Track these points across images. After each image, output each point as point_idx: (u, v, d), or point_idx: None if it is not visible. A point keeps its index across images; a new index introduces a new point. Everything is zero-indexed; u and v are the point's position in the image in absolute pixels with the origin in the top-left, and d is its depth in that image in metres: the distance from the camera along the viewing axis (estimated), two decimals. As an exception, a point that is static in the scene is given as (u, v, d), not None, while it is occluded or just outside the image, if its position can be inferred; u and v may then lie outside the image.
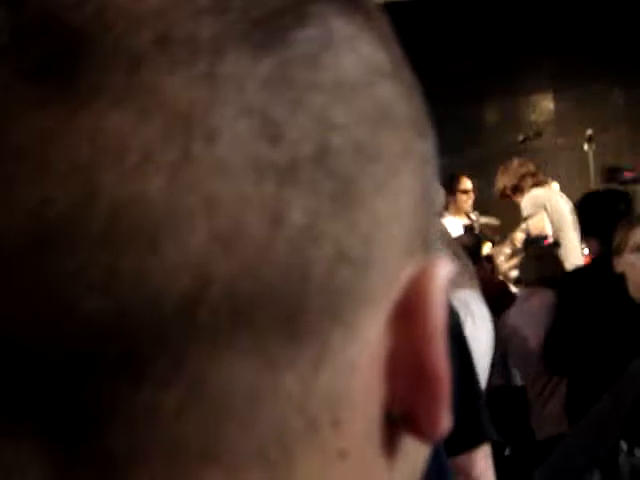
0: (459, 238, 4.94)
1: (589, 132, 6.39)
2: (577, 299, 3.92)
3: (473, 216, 6.67)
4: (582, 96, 8.00)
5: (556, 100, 8.31)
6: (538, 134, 7.08)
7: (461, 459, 1.89)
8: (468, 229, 6.02)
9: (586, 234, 4.70)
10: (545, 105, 8.36)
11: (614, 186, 5.20)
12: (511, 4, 8.18)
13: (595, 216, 4.48)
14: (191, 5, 0.31)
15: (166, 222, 0.29)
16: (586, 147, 6.52)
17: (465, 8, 8.26)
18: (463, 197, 6.55)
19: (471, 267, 2.86)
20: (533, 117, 8.25)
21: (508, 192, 6.40)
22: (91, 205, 0.29)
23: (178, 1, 0.31)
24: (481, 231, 6.41)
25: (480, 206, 6.79)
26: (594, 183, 6.47)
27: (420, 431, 0.35)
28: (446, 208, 6.52)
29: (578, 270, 4.28)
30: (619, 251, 3.42)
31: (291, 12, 0.32)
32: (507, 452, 4.23)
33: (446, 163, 7.27)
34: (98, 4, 0.30)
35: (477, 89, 7.87)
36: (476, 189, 6.89)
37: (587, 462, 2.85)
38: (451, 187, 6.58)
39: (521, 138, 6.88)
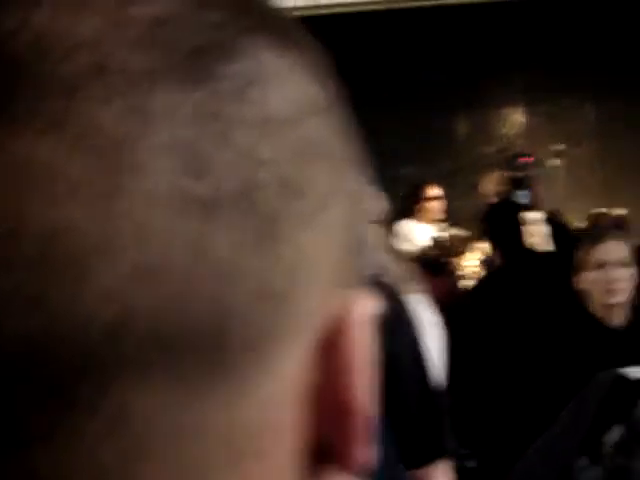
0: (423, 250, 4.93)
1: (559, 146, 6.45)
2: (480, 311, 3.97)
3: (442, 227, 6.69)
4: (553, 110, 8.06)
5: (527, 114, 8.37)
6: (508, 147, 7.13)
7: (421, 473, 1.90)
8: (434, 241, 6.03)
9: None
10: (516, 118, 8.42)
11: (513, 174, 5.20)
12: (485, 17, 8.23)
13: (496, 227, 4.51)
14: (124, 36, 0.31)
15: (95, 251, 0.29)
16: (556, 161, 6.59)
17: (439, 20, 8.29)
18: (429, 205, 6.56)
19: (414, 272, 2.88)
20: (504, 130, 8.30)
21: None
22: (24, 227, 0.29)
23: (112, 32, 0.31)
24: (451, 243, 6.42)
25: (450, 217, 6.81)
26: (563, 197, 6.52)
27: (341, 465, 0.36)
28: (413, 216, 6.54)
29: (482, 283, 4.32)
30: (580, 269, 3.44)
31: (221, 46, 0.33)
32: (472, 464, 4.24)
33: (417, 174, 7.32)
34: (35, 32, 0.31)
35: (449, 101, 7.90)
36: (447, 200, 6.93)
37: (547, 476, 2.87)
38: (417, 195, 6.61)
39: (495, 150, 6.93)
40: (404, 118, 8.05)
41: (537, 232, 4.68)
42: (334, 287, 0.35)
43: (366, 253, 0.39)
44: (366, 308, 0.36)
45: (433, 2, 8.44)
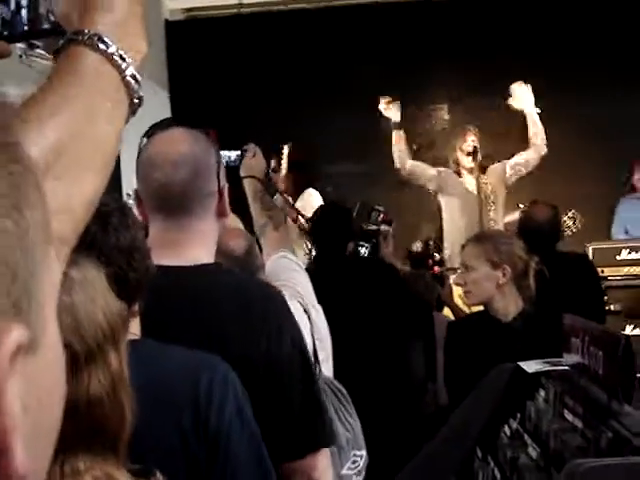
0: None
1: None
2: None
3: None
4: (476, 107, 8.15)
5: (451, 111, 8.47)
6: (433, 144, 7.21)
7: (300, 464, 1.98)
8: None
9: None
10: (441, 115, 8.51)
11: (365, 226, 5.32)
12: (410, 15, 8.31)
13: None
14: None
15: None
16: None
17: (370, 18, 8.36)
18: None
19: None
20: (428, 127, 8.37)
21: None
22: None
23: None
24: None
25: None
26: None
27: None
28: None
29: None
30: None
31: None
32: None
33: (347, 171, 7.42)
34: None
35: (377, 99, 7.95)
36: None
37: (444, 467, 2.94)
38: None
39: (415, 147, 7.00)
40: (334, 116, 8.11)
41: None
42: None
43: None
44: (8, 341, 0.41)
45: (364, 0, 8.53)
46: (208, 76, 8.23)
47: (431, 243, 6.64)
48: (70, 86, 0.93)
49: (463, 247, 3.63)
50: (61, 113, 0.89)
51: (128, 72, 0.98)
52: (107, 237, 1.56)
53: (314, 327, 2.77)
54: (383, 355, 4.42)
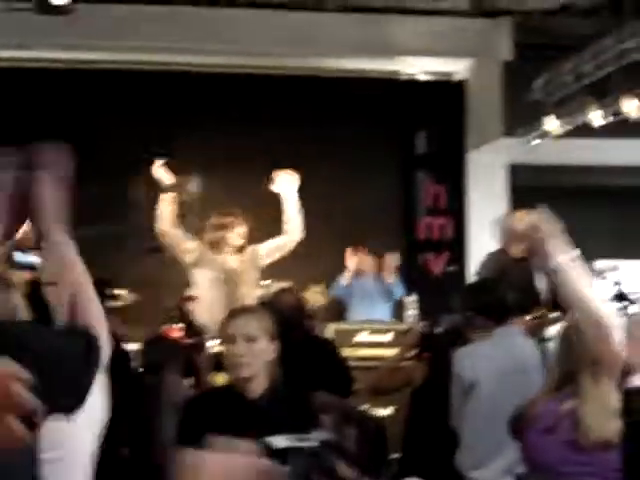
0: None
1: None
2: None
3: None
4: (229, 180, 8.28)
5: (204, 181, 8.54)
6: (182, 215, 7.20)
7: None
8: None
9: None
10: (192, 186, 8.58)
11: None
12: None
13: None
14: None
15: None
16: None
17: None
18: None
19: None
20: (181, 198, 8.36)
21: None
22: None
23: None
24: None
25: (120, 279, 6.73)
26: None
27: None
28: None
29: None
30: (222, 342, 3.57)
31: None
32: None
33: (91, 235, 7.25)
34: None
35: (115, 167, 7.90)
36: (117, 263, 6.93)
37: None
38: None
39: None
40: (83, 181, 7.98)
41: None
42: None
43: None
44: None
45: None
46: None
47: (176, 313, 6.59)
48: None
49: (231, 317, 3.58)
50: None
51: None
52: None
53: None
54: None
